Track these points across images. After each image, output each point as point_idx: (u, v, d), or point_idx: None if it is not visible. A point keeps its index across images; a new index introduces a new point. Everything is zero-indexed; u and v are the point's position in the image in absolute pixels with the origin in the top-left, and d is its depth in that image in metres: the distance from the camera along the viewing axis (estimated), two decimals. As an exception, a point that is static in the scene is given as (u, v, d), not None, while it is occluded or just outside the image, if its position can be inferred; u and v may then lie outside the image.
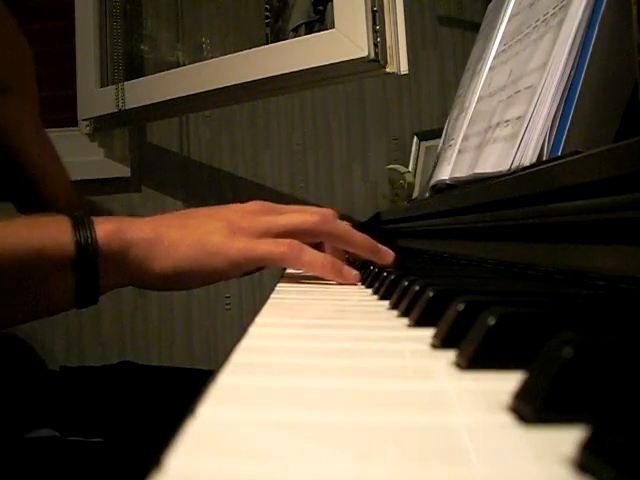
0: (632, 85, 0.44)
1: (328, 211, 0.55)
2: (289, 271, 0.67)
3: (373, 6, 1.13)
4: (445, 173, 0.75)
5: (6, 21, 0.71)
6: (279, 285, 0.53)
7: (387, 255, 0.58)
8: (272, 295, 0.45)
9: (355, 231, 0.56)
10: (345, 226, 0.55)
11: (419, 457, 0.14)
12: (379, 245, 0.57)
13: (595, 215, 0.35)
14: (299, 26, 1.35)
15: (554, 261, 0.41)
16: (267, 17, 1.43)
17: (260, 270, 0.57)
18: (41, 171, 0.76)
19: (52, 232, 0.44)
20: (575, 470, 0.13)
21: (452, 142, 0.78)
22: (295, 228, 0.51)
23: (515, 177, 0.49)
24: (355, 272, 0.53)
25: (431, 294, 0.31)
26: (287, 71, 1.23)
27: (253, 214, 0.52)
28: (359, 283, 0.55)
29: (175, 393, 0.67)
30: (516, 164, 0.52)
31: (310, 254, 0.50)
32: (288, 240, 0.49)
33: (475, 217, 0.58)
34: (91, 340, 1.70)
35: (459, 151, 0.73)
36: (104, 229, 0.45)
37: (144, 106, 1.46)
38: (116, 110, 1.48)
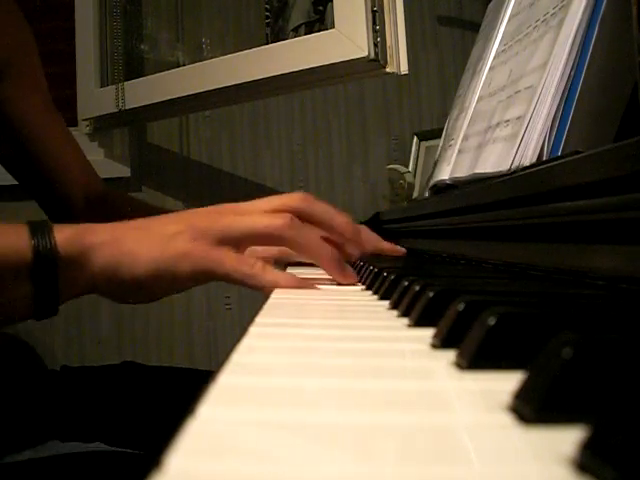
0: (632, 85, 0.44)
1: (299, 203, 0.50)
2: (289, 270, 0.67)
3: (373, 6, 1.13)
4: (445, 173, 0.75)
5: (8, 3, 0.72)
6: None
7: (369, 245, 0.54)
8: (272, 295, 0.45)
9: (316, 236, 0.50)
10: (313, 231, 0.50)
11: (419, 457, 0.14)
12: (359, 231, 0.54)
13: (595, 215, 0.35)
14: (299, 26, 1.35)
15: (554, 261, 0.41)
16: (267, 17, 1.43)
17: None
18: (49, 149, 0.76)
19: (10, 238, 0.43)
20: (575, 470, 0.13)
21: (452, 142, 0.78)
22: (256, 233, 0.47)
23: (515, 177, 0.49)
24: (354, 272, 0.52)
25: (431, 294, 0.31)
26: (287, 71, 1.23)
27: (216, 214, 0.49)
28: (359, 284, 0.54)
29: (176, 393, 0.67)
30: (516, 164, 0.52)
31: (308, 233, 0.48)
32: (252, 259, 0.47)
33: (475, 217, 0.58)
34: (91, 340, 1.70)
35: (459, 151, 0.73)
36: (63, 235, 0.43)
37: (144, 106, 1.46)
38: (116, 110, 1.48)
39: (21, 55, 0.73)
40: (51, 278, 0.43)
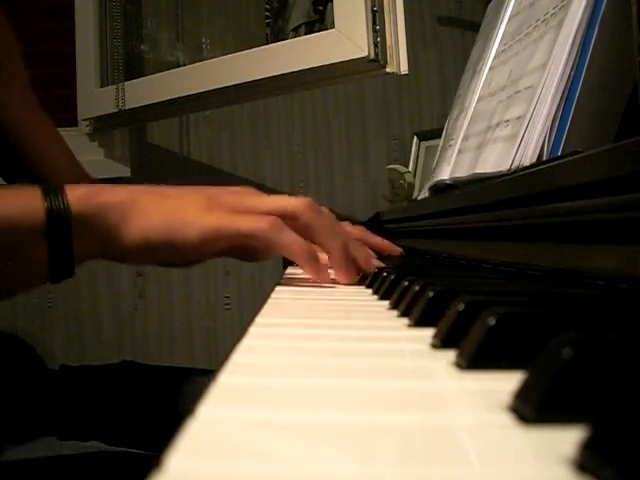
0: (632, 85, 0.44)
1: (311, 201, 0.51)
2: (289, 271, 0.68)
3: (373, 6, 1.13)
4: (445, 173, 0.75)
5: None
6: (279, 285, 0.53)
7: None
8: (272, 295, 0.45)
9: (340, 225, 0.51)
10: (328, 219, 0.51)
11: (419, 457, 0.14)
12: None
13: (595, 215, 0.35)
14: (299, 26, 1.35)
15: (554, 261, 0.41)
16: (267, 17, 1.43)
17: (248, 260, 0.53)
18: (35, 148, 0.76)
19: (22, 200, 0.43)
20: (575, 470, 0.13)
21: (452, 142, 0.78)
22: (281, 211, 0.48)
23: (515, 177, 0.49)
24: (328, 274, 0.51)
25: (431, 294, 0.31)
26: (287, 71, 1.23)
27: (238, 193, 0.49)
28: (359, 285, 0.54)
29: (176, 392, 0.67)
30: (516, 164, 0.52)
31: (290, 236, 0.47)
32: (270, 217, 0.46)
33: (475, 217, 0.58)
34: (91, 340, 1.70)
35: (459, 151, 0.73)
36: (76, 194, 0.43)
37: (144, 106, 1.46)
38: (116, 110, 1.48)
39: (5, 55, 0.73)
40: (65, 238, 0.43)
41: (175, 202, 0.46)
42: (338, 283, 0.52)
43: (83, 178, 0.82)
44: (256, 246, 0.48)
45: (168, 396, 0.69)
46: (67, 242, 0.43)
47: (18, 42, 0.76)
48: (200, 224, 0.45)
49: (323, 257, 0.51)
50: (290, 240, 0.47)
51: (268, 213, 0.47)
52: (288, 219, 0.48)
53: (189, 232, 0.45)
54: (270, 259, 0.54)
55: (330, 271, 0.52)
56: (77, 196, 0.43)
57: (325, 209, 0.52)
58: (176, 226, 0.45)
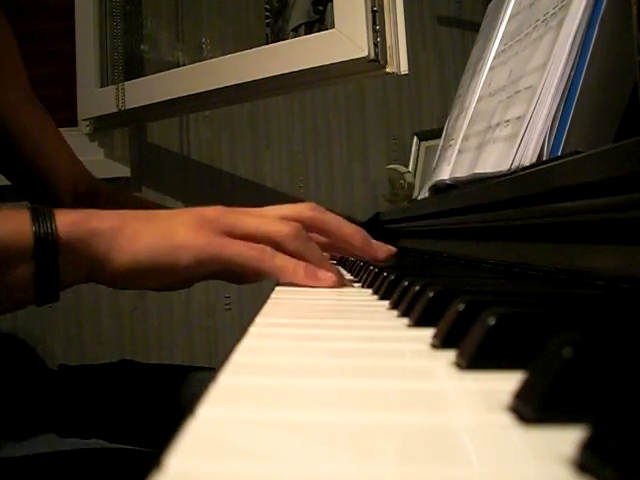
0: (632, 85, 0.44)
1: (311, 212, 0.51)
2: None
3: (373, 6, 1.13)
4: (445, 173, 0.75)
5: None
6: (279, 285, 0.53)
7: (380, 251, 0.54)
8: (272, 295, 0.45)
9: (315, 248, 0.50)
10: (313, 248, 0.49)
11: (419, 457, 0.14)
12: (369, 240, 0.53)
13: (595, 215, 0.35)
14: (299, 26, 1.35)
15: (554, 261, 0.41)
16: (267, 17, 1.43)
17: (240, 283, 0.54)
18: (35, 146, 0.76)
19: (10, 223, 0.43)
20: (575, 470, 0.13)
21: (452, 142, 0.78)
22: (264, 235, 0.47)
23: (515, 177, 0.49)
24: (331, 274, 0.49)
25: (431, 294, 0.31)
26: (287, 71, 1.23)
27: (223, 211, 0.49)
28: (360, 284, 0.54)
29: (175, 392, 0.67)
30: (516, 164, 0.52)
31: (281, 259, 0.47)
32: (260, 245, 0.46)
33: (475, 217, 0.58)
34: (91, 340, 1.70)
35: (459, 151, 0.73)
36: (65, 219, 0.43)
37: (144, 106, 1.46)
38: (116, 110, 1.48)
39: (4, 55, 0.73)
40: (52, 263, 0.43)
41: (164, 224, 0.46)
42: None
43: (85, 176, 0.82)
44: (246, 272, 0.48)
45: (168, 394, 0.69)
46: (54, 267, 0.43)
47: (17, 42, 0.77)
48: (190, 246, 0.45)
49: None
50: (283, 264, 0.47)
51: (253, 233, 0.47)
52: (272, 244, 0.47)
53: (179, 254, 0.45)
54: (259, 282, 0.54)
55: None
56: (66, 222, 0.43)
57: (330, 214, 0.52)
58: (166, 249, 0.45)
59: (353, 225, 0.53)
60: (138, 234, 0.45)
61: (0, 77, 0.73)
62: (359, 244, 0.53)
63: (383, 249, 0.55)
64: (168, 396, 0.67)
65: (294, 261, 0.47)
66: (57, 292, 0.44)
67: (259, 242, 0.48)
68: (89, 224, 0.44)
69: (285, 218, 0.49)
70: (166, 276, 0.46)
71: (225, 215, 0.48)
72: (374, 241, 0.55)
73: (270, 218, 0.49)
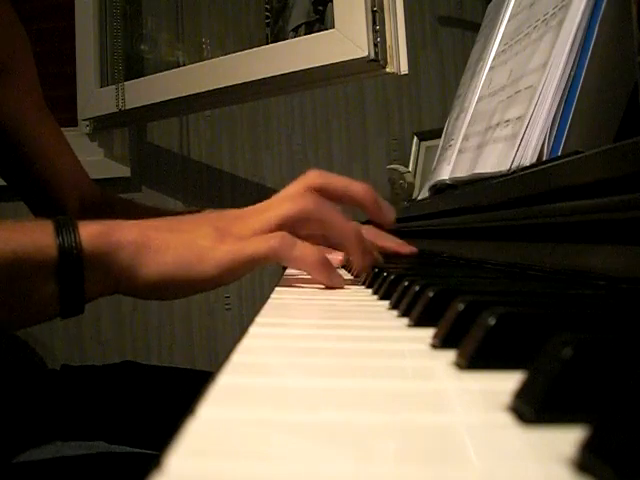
0: (632, 85, 0.44)
1: (317, 180, 0.52)
2: (289, 271, 0.67)
3: (373, 6, 1.14)
4: (445, 173, 0.75)
5: (4, 5, 0.72)
6: (279, 285, 0.53)
7: (388, 214, 0.56)
8: (272, 295, 0.45)
9: (338, 215, 0.51)
10: (331, 208, 0.51)
11: (419, 457, 0.14)
12: (379, 202, 0.55)
13: (595, 215, 0.35)
14: (299, 26, 1.35)
15: (554, 261, 0.41)
16: (267, 17, 1.43)
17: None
18: (42, 150, 0.76)
19: (34, 236, 0.42)
20: (575, 470, 0.13)
21: (452, 142, 0.78)
22: (283, 220, 0.48)
23: (515, 177, 0.49)
24: (341, 277, 0.51)
25: (431, 294, 0.31)
26: (287, 71, 1.23)
27: (242, 217, 0.50)
28: (360, 284, 0.54)
29: (176, 393, 0.67)
30: (516, 164, 0.52)
31: (300, 248, 0.47)
32: (278, 233, 0.47)
33: (475, 217, 0.58)
34: (91, 340, 1.70)
35: (459, 151, 0.73)
36: (88, 232, 0.43)
37: (144, 106, 1.46)
38: (116, 110, 1.48)
39: (17, 56, 0.74)
40: (77, 276, 0.42)
41: (187, 237, 0.46)
42: (326, 287, 0.52)
43: (86, 181, 0.82)
44: (269, 263, 0.48)
45: (168, 396, 0.69)
46: (79, 280, 0.43)
47: (29, 44, 0.77)
48: (215, 257, 0.45)
49: (334, 258, 0.51)
50: (302, 253, 0.47)
51: (275, 224, 0.48)
52: (296, 223, 0.48)
53: (205, 266, 0.45)
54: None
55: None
56: (90, 233, 0.43)
57: (335, 176, 0.53)
58: (192, 262, 0.45)
59: (360, 183, 0.53)
60: (162, 248, 0.45)
61: (16, 84, 0.73)
62: (369, 203, 0.54)
63: (390, 212, 0.55)
64: (171, 398, 0.67)
65: (312, 253, 0.48)
66: (82, 305, 0.44)
67: (282, 229, 0.48)
68: (113, 236, 0.44)
69: (297, 193, 0.51)
70: (193, 287, 0.46)
71: (242, 221, 0.48)
72: (382, 202, 0.55)
73: (280, 201, 0.51)
